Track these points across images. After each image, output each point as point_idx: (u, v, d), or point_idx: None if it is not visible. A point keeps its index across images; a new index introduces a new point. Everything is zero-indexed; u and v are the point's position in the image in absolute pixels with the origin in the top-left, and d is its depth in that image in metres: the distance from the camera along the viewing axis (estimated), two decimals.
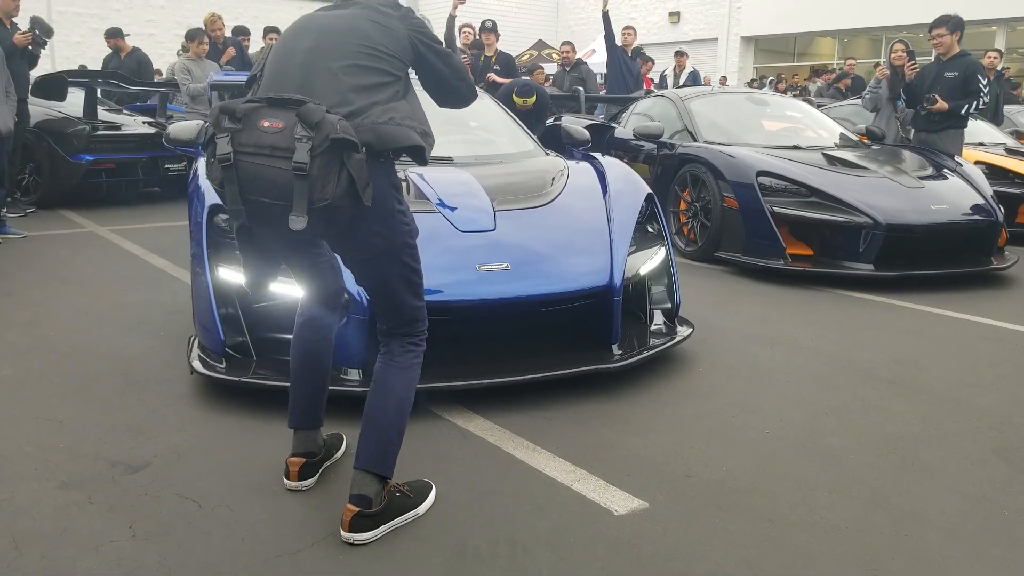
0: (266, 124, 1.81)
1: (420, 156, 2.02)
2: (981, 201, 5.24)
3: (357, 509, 2.01)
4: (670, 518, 2.18)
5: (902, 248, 4.96)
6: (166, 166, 8.52)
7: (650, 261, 3.43)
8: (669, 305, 3.54)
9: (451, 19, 8.58)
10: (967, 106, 5.97)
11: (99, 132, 8.01)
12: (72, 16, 18.67)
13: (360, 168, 1.83)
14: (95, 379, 3.15)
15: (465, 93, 2.32)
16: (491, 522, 2.14)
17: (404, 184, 3.56)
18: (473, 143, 4.57)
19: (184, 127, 4.34)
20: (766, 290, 4.86)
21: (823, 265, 5.06)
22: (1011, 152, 7.24)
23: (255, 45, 10.09)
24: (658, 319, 3.54)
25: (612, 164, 3.97)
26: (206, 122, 4.69)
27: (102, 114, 8.62)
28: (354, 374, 2.86)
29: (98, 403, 2.91)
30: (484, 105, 4.97)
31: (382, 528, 2.05)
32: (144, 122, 8.87)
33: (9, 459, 2.44)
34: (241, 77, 8.17)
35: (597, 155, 4.20)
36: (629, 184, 3.73)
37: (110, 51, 10.12)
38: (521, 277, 3.00)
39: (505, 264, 3.01)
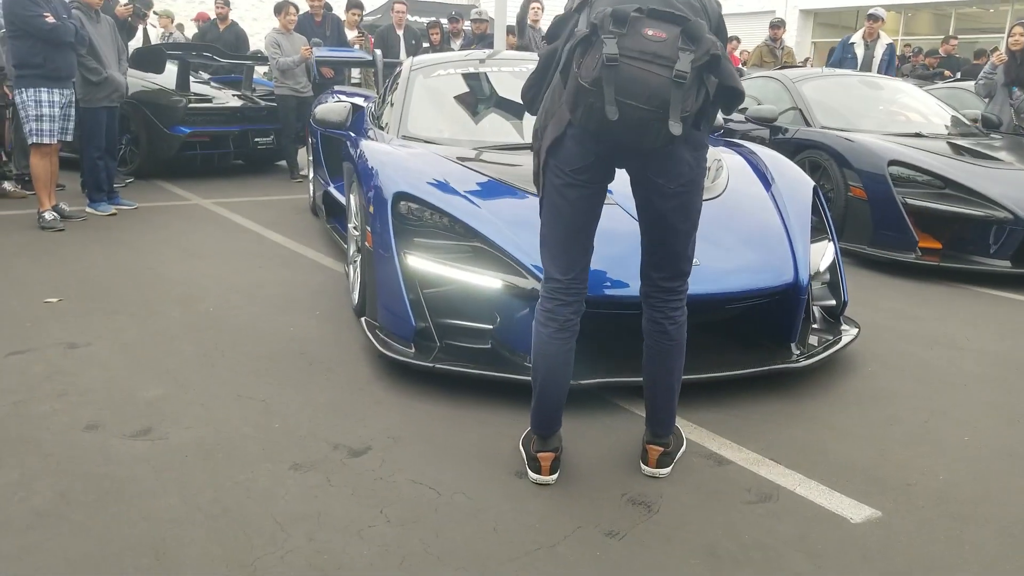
0: (650, 32, 1.92)
1: (735, 103, 2.06)
2: None
3: (661, 448, 2.38)
4: (909, 527, 2.17)
5: None
6: (255, 140, 8.62)
7: (824, 257, 3.40)
8: (834, 302, 3.50)
9: None
10: None
11: (194, 105, 8.10)
12: None
13: (713, 90, 1.95)
14: (276, 358, 3.22)
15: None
16: (731, 524, 2.15)
17: None
18: None
19: (332, 109, 4.37)
20: (898, 284, 4.79)
21: (954, 260, 4.97)
22: None
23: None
24: (817, 316, 3.51)
25: (768, 155, 3.90)
26: (350, 103, 4.76)
27: (193, 86, 8.72)
28: None
29: (291, 383, 2.98)
30: None
31: (674, 462, 2.42)
32: (233, 95, 8.96)
33: (233, 440, 2.51)
34: (341, 54, 8.20)
35: (743, 143, 4.15)
36: (792, 177, 3.67)
37: (204, 22, 10.22)
38: (709, 274, 2.97)
39: (696, 260, 2.98)
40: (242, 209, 6.58)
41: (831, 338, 3.33)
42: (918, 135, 5.76)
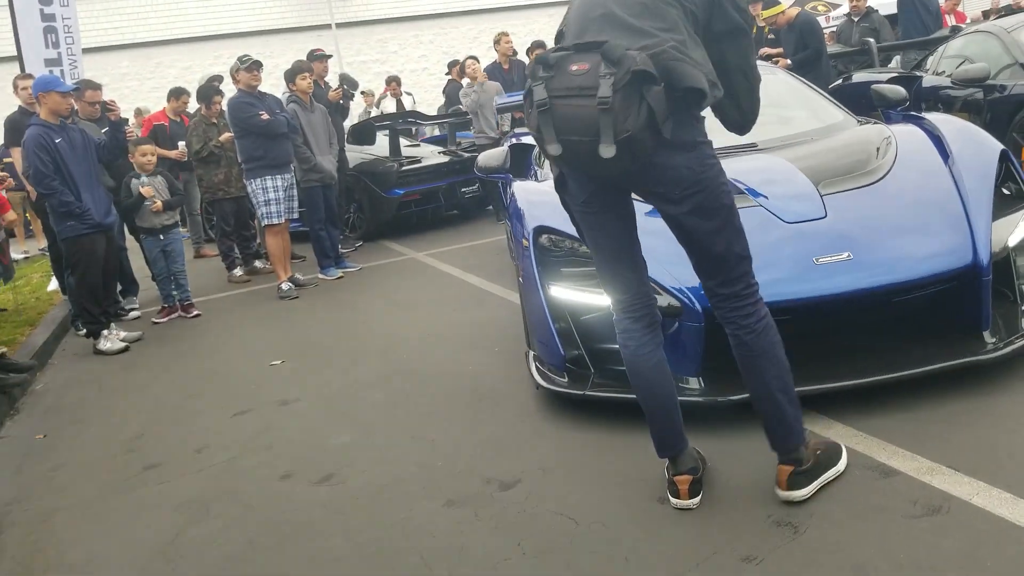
0: (574, 68, 1.97)
1: (699, 100, 1.99)
2: None
3: (791, 468, 2.18)
4: None
5: None
6: (462, 190, 9.18)
7: (1017, 229, 2.98)
8: None
9: None
10: None
11: (405, 168, 8.85)
12: (359, 65, 20.94)
13: (659, 100, 1.91)
14: (451, 397, 3.45)
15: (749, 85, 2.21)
16: (885, 541, 1.97)
17: None
18: (770, 123, 4.31)
19: (491, 155, 4.62)
20: None
21: None
22: None
23: None
24: None
25: (946, 122, 3.52)
26: (509, 147, 5.01)
27: (404, 150, 9.53)
28: (694, 383, 2.81)
29: (459, 420, 3.18)
30: (777, 79, 4.69)
31: (815, 484, 2.21)
32: (439, 152, 9.65)
33: (400, 479, 2.74)
34: (517, 98, 8.58)
35: (922, 114, 3.76)
36: (974, 143, 3.28)
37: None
38: (866, 266, 2.76)
39: (846, 253, 2.78)
40: (449, 257, 7.06)
41: None
42: None
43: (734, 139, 3.93)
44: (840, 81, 7.51)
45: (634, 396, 2.85)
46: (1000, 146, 3.25)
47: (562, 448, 2.79)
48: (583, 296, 3.08)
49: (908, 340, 2.89)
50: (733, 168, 3.38)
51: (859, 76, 7.41)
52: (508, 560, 2.15)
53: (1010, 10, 11.74)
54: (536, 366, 3.24)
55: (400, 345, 4.42)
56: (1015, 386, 2.68)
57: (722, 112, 2.24)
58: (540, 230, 3.28)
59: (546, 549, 2.17)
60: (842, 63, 8.48)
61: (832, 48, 8.70)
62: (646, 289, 2.30)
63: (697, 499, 2.28)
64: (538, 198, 3.64)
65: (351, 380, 3.93)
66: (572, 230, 3.22)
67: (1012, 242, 2.95)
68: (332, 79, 8.42)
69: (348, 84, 8.37)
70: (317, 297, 6.15)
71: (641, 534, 2.18)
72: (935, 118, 3.61)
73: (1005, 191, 3.23)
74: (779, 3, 7.25)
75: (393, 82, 12.57)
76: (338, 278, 6.74)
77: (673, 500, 2.29)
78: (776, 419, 2.21)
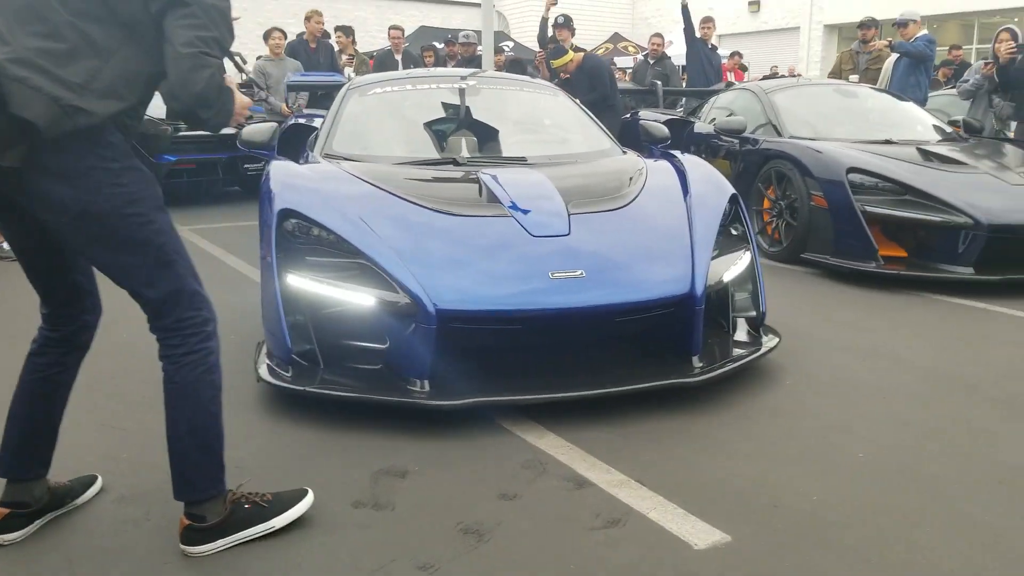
0: None
1: (34, 135, 1.68)
2: None
3: (189, 522, 1.96)
4: (756, 554, 1.99)
5: (1005, 251, 4.58)
6: (245, 166, 8.64)
7: (734, 267, 3.22)
8: (754, 313, 3.32)
9: (544, 21, 8.50)
10: None
11: (181, 133, 8.17)
12: None
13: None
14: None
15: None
16: (561, 553, 1.99)
17: (477, 186, 3.43)
18: (547, 142, 4.44)
19: (256, 130, 4.34)
20: (856, 295, 4.56)
21: (918, 268, 4.73)
22: None
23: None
24: (741, 328, 3.33)
25: (693, 163, 3.76)
26: (279, 124, 4.74)
27: None
28: (420, 386, 2.75)
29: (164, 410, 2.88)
30: (558, 102, 4.82)
31: (220, 542, 1.97)
32: None
33: (72, 470, 2.40)
34: (317, 78, 8.23)
35: (677, 153, 4.00)
36: (711, 185, 3.53)
37: None
38: (596, 285, 2.84)
39: (579, 271, 2.85)
40: (216, 235, 6.57)
41: (749, 350, 3.16)
42: (887, 142, 5.53)
43: (507, 152, 4.06)
44: (628, 116, 7.95)
45: (362, 395, 2.76)
46: (731, 190, 3.51)
47: (267, 445, 2.60)
48: (323, 288, 2.92)
49: (627, 359, 3.03)
50: (501, 179, 3.41)
51: (644, 114, 7.89)
52: (167, 564, 1.94)
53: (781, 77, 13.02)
54: (266, 359, 3.03)
55: (120, 323, 3.93)
56: (714, 409, 2.86)
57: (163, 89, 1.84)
58: (286, 213, 3.09)
59: (211, 552, 1.98)
60: (633, 100, 9.02)
61: (625, 85, 9.23)
62: (71, 311, 2.13)
63: (13, 535, 2.01)
64: (293, 181, 3.45)
65: None
66: (324, 217, 3.08)
67: (727, 277, 3.18)
68: None
69: None
70: None
71: (325, 539, 2.06)
72: (685, 158, 3.85)
73: (733, 231, 3.49)
74: (567, 52, 7.53)
75: None
76: None
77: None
78: (179, 465, 1.97)
